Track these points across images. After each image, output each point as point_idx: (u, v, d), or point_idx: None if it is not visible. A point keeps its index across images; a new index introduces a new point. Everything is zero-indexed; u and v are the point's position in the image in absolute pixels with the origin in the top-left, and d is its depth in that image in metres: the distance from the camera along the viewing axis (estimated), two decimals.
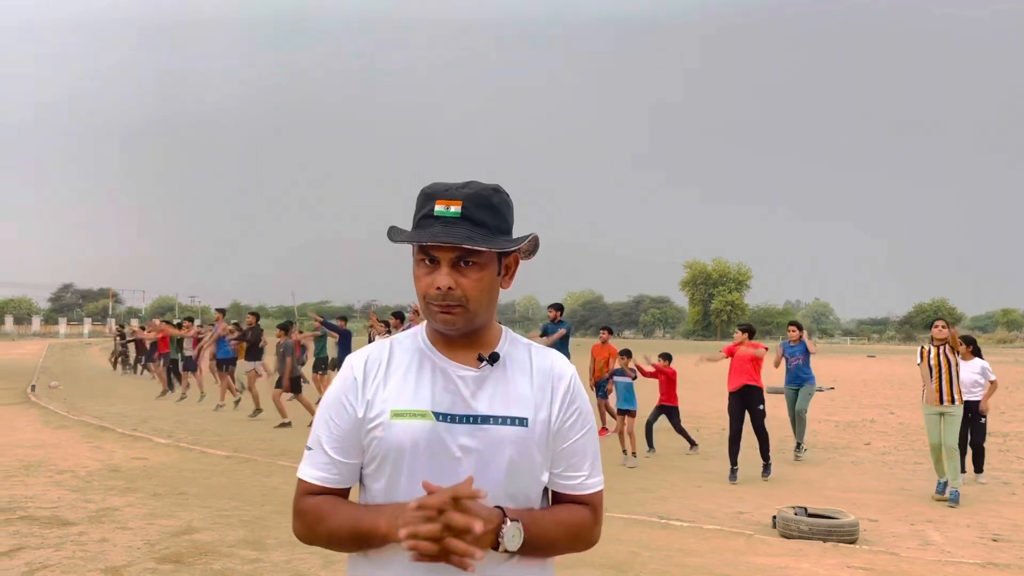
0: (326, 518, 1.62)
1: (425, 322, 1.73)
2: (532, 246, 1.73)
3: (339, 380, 1.69)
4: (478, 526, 1.44)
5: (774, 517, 7.18)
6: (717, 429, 14.09)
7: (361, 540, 1.59)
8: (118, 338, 30.55)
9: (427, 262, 1.60)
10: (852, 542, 6.67)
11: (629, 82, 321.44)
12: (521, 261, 1.74)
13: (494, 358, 1.65)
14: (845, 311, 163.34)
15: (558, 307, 13.28)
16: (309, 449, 1.68)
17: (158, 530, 6.56)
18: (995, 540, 6.98)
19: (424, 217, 1.60)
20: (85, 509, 7.28)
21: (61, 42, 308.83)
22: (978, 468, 9.94)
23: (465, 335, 1.65)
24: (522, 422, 1.62)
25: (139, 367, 27.02)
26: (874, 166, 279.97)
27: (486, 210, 1.60)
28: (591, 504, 1.72)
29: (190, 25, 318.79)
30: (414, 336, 1.72)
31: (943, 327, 8.67)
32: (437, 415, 1.60)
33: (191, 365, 18.65)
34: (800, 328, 11.48)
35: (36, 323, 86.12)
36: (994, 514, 8.01)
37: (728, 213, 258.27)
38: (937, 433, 8.53)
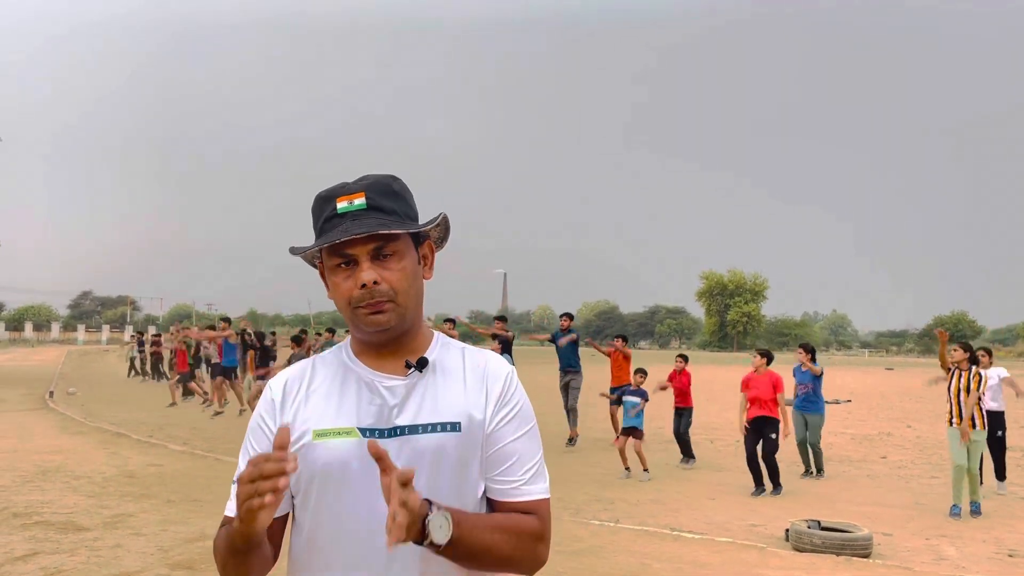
0: (217, 544, 1.50)
1: (348, 338, 1.64)
2: (443, 232, 1.65)
3: (260, 404, 1.59)
4: (291, 463, 1.28)
5: (787, 530, 7.14)
6: (731, 441, 14.03)
7: (235, 547, 1.41)
8: (136, 345, 30.75)
9: (343, 266, 1.50)
10: (866, 556, 6.61)
11: (644, 92, 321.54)
12: (436, 251, 1.66)
13: (422, 364, 1.54)
14: (863, 323, 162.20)
15: (569, 316, 14.07)
16: (234, 483, 1.48)
17: (171, 536, 6.61)
18: (1011, 556, 6.91)
19: (327, 220, 1.51)
20: (100, 515, 7.35)
21: (78, 51, 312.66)
22: (1000, 475, 9.85)
23: (393, 341, 1.54)
24: (454, 427, 1.51)
25: (159, 375, 27.20)
26: (893, 175, 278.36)
27: (390, 197, 1.52)
28: (536, 513, 1.56)
29: (205, 31, 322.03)
30: (338, 351, 1.62)
31: (956, 349, 8.70)
32: (363, 431, 1.48)
33: (219, 371, 18.74)
34: (810, 351, 10.89)
35: (55, 330, 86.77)
36: (1010, 529, 7.93)
37: (744, 224, 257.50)
38: (961, 454, 8.43)
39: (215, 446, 12.22)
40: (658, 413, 14.23)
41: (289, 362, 14.48)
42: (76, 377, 28.13)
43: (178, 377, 20.46)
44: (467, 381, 1.57)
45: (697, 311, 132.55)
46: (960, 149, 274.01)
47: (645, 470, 10.37)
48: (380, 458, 1.32)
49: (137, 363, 30.26)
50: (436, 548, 1.37)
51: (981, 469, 9.56)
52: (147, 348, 29.83)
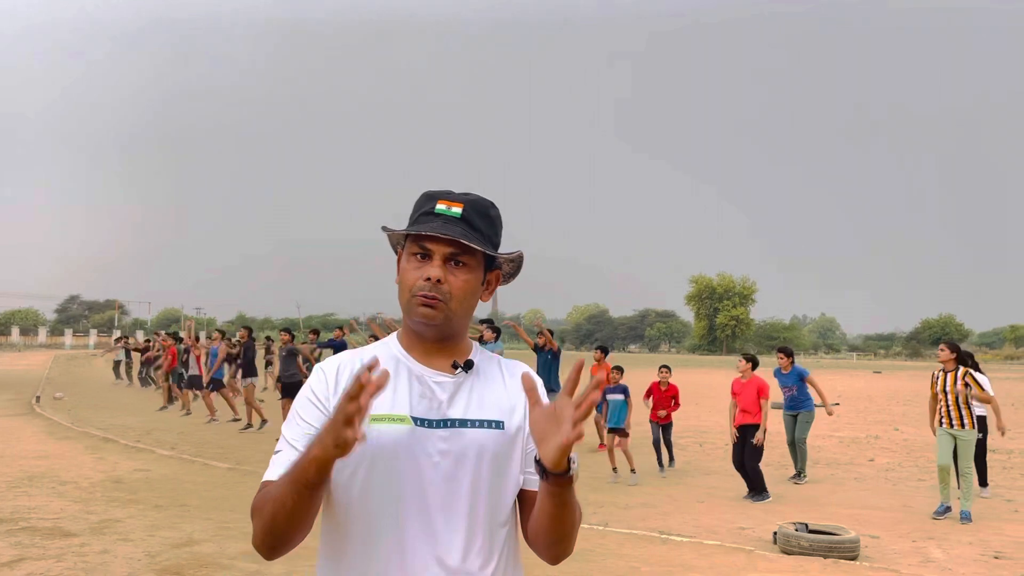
0: (268, 496, 1.52)
1: (397, 332, 1.76)
2: (515, 268, 1.79)
3: (311, 382, 1.68)
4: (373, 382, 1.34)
5: (775, 533, 7.17)
6: (721, 444, 14.06)
7: (300, 487, 1.45)
8: (123, 349, 30.55)
9: (419, 257, 1.65)
10: (853, 559, 6.65)
11: (634, 97, 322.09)
12: (500, 284, 1.80)
13: (468, 365, 1.69)
14: (851, 326, 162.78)
15: (547, 332, 12.83)
16: (277, 453, 1.64)
17: (159, 542, 6.58)
18: (996, 558, 6.96)
19: (424, 214, 1.66)
20: (87, 520, 7.31)
21: (68, 55, 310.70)
22: (982, 482, 9.93)
23: (439, 343, 1.68)
24: (499, 425, 1.66)
25: (148, 379, 27.06)
26: (880, 180, 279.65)
27: (483, 219, 1.67)
28: None
29: (200, 33, 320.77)
30: (386, 345, 1.74)
31: (943, 348, 8.74)
32: (415, 420, 1.62)
33: (196, 383, 18.66)
34: (789, 355, 10.77)
35: (42, 334, 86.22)
36: (996, 531, 7.98)
37: (735, 228, 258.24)
38: (946, 454, 8.49)
39: (202, 451, 12.17)
40: (646, 416, 14.24)
41: (279, 354, 14.48)
42: (63, 382, 27.96)
43: (167, 376, 20.42)
44: (507, 385, 1.73)
45: (687, 315, 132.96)
46: (950, 155, 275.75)
47: (632, 471, 10.36)
48: (530, 390, 1.50)
49: (123, 368, 30.06)
50: (565, 480, 1.48)
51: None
52: (134, 354, 29.66)
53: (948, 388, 8.50)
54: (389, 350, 1.73)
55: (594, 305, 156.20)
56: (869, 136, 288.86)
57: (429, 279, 1.61)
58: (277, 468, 1.60)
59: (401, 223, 1.75)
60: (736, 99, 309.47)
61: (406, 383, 1.66)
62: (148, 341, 23.19)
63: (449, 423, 1.63)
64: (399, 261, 1.74)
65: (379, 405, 1.62)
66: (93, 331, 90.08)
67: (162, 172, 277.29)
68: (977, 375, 9.50)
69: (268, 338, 24.78)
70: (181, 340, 20.62)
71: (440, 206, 1.65)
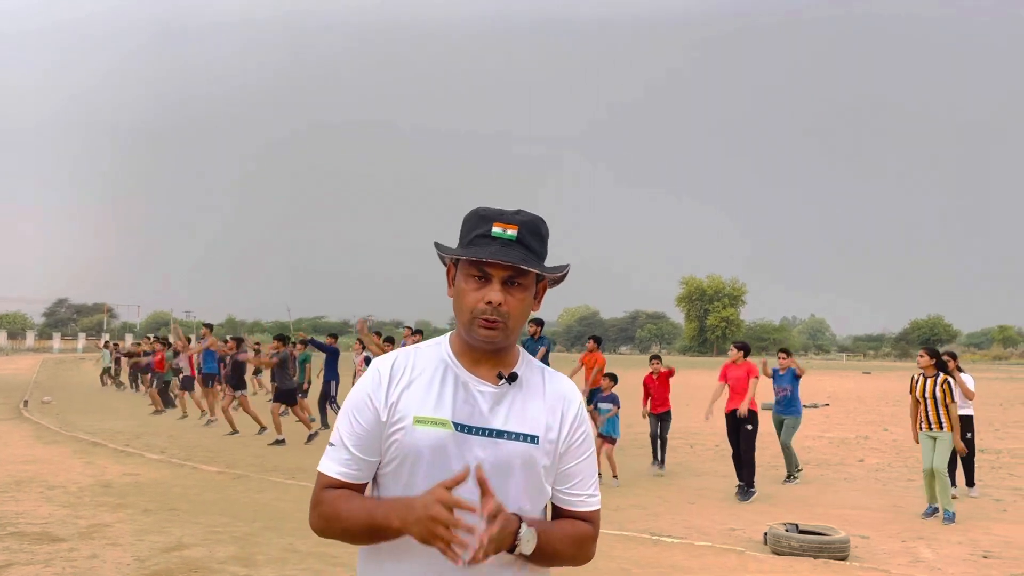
0: (342, 514, 1.72)
1: (450, 334, 1.85)
2: (561, 278, 1.88)
3: (366, 380, 1.79)
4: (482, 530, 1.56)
5: (765, 533, 7.19)
6: (711, 445, 14.11)
7: (375, 534, 1.69)
8: (114, 354, 30.41)
9: (478, 278, 1.72)
10: (843, 559, 6.68)
11: (623, 94, 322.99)
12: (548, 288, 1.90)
13: (512, 377, 1.77)
14: (841, 327, 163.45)
15: (538, 322, 13.07)
16: (331, 445, 1.78)
17: (148, 546, 6.54)
18: (985, 557, 7.00)
19: (480, 236, 1.72)
20: (75, 525, 7.26)
21: (53, 56, 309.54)
22: (969, 482, 10.03)
23: (491, 352, 1.77)
24: (533, 439, 1.75)
25: (136, 384, 26.94)
26: (874, 180, 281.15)
27: (536, 238, 1.75)
28: (592, 521, 1.85)
29: (191, 34, 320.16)
30: (438, 345, 1.83)
31: (923, 355, 8.88)
32: (456, 425, 1.72)
33: (188, 384, 18.60)
34: (789, 354, 11.05)
35: (30, 338, 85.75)
36: (985, 531, 8.02)
37: (725, 229, 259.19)
38: (931, 458, 8.57)
39: (192, 455, 12.12)
40: (637, 419, 14.26)
41: (273, 359, 14.43)
42: (51, 386, 27.79)
43: (154, 380, 20.30)
44: (547, 401, 1.81)
45: (677, 316, 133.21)
46: (936, 154, 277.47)
47: (615, 476, 10.36)
48: (483, 483, 1.61)
49: (112, 372, 29.93)
50: (519, 555, 1.68)
51: (953, 474, 9.71)
52: (123, 360, 29.52)
53: (928, 393, 8.60)
54: (440, 352, 1.82)
55: (584, 307, 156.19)
56: (860, 138, 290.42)
57: (491, 303, 1.69)
58: (333, 464, 1.77)
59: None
60: (730, 103, 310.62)
61: (451, 388, 1.76)
62: (138, 344, 22.47)
63: (488, 432, 1.73)
64: (449, 273, 1.81)
65: (423, 407, 1.74)
66: (81, 335, 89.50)
67: (153, 175, 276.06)
68: (962, 376, 9.62)
69: (257, 343, 24.71)
70: (170, 345, 20.50)
71: (496, 229, 1.71)
